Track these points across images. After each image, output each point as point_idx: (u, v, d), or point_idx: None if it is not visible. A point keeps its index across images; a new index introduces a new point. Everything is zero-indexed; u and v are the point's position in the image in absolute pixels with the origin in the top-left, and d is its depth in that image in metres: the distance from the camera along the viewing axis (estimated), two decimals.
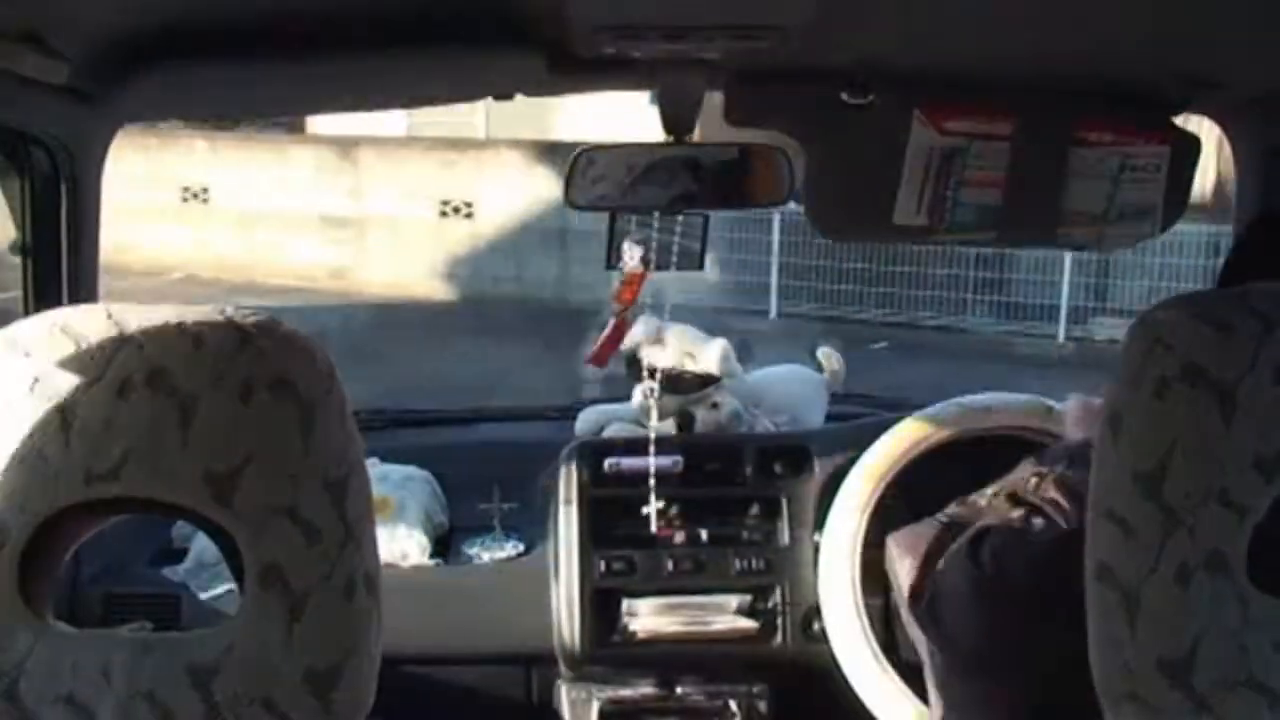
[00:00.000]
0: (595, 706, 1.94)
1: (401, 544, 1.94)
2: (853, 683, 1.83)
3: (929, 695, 1.26)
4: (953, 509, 1.33)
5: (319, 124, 11.88)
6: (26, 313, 1.53)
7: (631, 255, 1.92)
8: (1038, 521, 1.09)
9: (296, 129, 12.23)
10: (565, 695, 1.96)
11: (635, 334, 2.15)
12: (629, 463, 1.99)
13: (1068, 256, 9.30)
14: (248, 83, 1.43)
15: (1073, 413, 1.52)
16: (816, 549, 1.90)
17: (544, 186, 10.56)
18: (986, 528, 1.12)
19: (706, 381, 2.10)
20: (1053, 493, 1.15)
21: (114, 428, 0.69)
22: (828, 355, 2.33)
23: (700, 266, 1.97)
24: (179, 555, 1.93)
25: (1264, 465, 0.68)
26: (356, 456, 0.75)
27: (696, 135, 1.63)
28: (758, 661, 1.96)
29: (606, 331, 2.07)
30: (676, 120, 1.58)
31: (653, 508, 1.94)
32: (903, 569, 1.26)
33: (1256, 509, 0.68)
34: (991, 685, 1.06)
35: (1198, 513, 0.68)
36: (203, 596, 1.88)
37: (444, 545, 2.03)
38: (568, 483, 1.99)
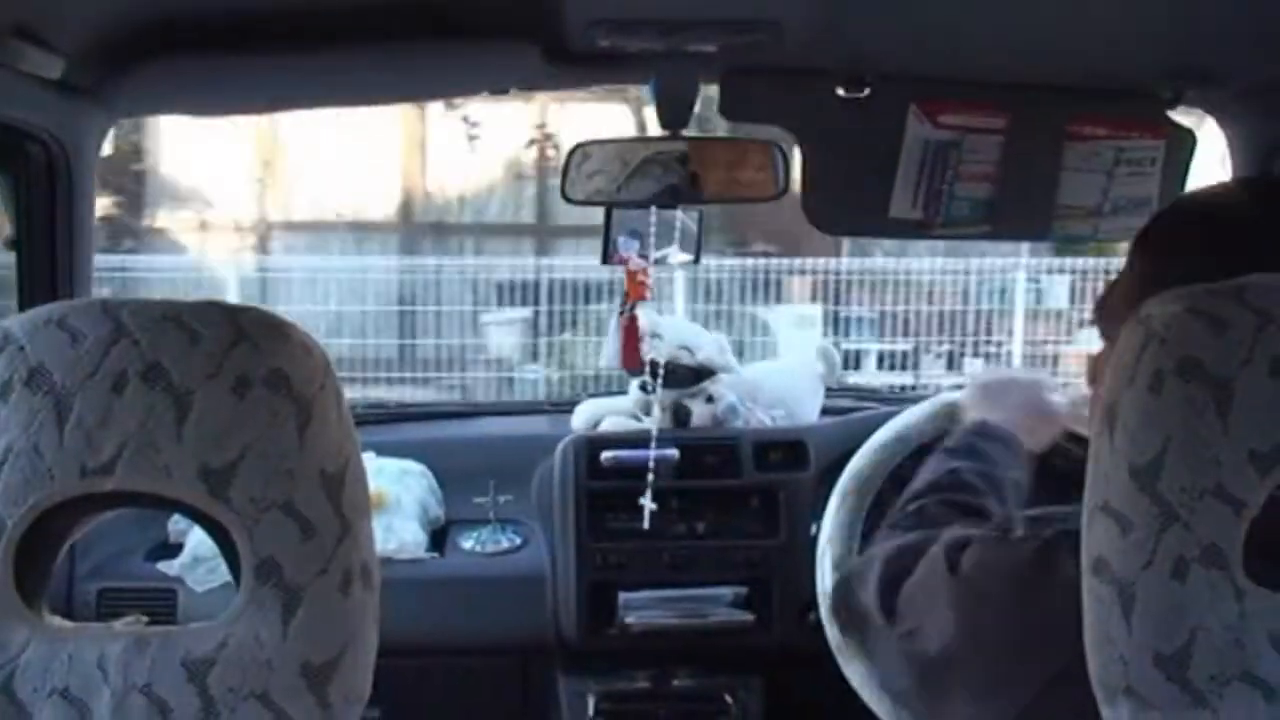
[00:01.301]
0: (591, 699, 1.94)
1: (397, 537, 1.94)
2: (848, 675, 1.83)
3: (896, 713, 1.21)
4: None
5: None
6: (21, 307, 1.54)
7: (629, 251, 1.92)
8: (1018, 531, 1.06)
9: None
10: (561, 687, 1.97)
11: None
12: (626, 456, 2.00)
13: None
14: (242, 78, 1.43)
15: (971, 395, 1.52)
16: (812, 541, 1.90)
17: None
18: (968, 537, 1.09)
19: (703, 375, 2.10)
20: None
21: (109, 422, 0.69)
22: (824, 350, 2.34)
23: (697, 260, 1.98)
24: (175, 549, 1.93)
25: (1260, 459, 0.68)
26: (352, 450, 0.75)
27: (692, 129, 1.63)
28: (753, 654, 1.96)
29: (623, 331, 2.07)
30: (672, 115, 1.58)
31: (647, 501, 1.94)
32: (870, 578, 1.20)
33: (1253, 503, 0.68)
34: (972, 704, 1.02)
35: (1194, 507, 0.68)
36: (199, 590, 1.88)
37: (440, 538, 2.03)
38: (564, 476, 2.00)
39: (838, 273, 8.26)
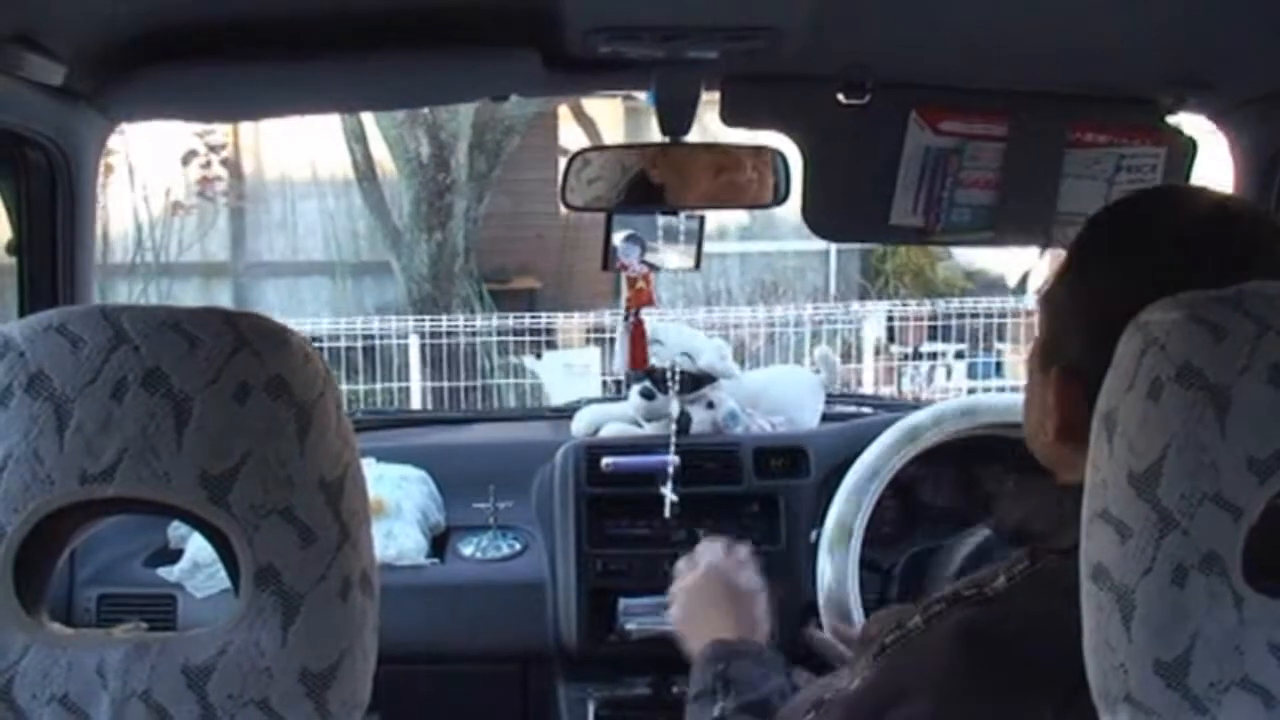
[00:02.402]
0: (591, 705, 1.94)
1: (397, 543, 1.94)
2: None
3: None
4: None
5: None
6: (22, 313, 1.54)
7: (629, 257, 1.93)
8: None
9: None
10: (561, 694, 1.96)
11: None
12: (626, 462, 2.00)
13: None
14: (243, 84, 1.43)
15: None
16: (813, 548, 1.90)
17: None
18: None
19: (703, 381, 2.10)
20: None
21: (109, 428, 0.69)
22: (824, 356, 2.34)
23: (697, 266, 1.98)
24: (174, 556, 1.93)
25: (1258, 467, 0.68)
26: (352, 457, 0.75)
27: (692, 136, 1.63)
28: None
29: (630, 335, 2.07)
30: (673, 121, 1.58)
31: (669, 492, 1.94)
32: None
33: (1251, 510, 0.68)
34: None
35: (1193, 514, 0.68)
36: (198, 597, 1.88)
37: (440, 545, 2.03)
38: (564, 482, 1.99)
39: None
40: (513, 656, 1.99)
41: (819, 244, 9.26)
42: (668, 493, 1.95)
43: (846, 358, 7.49)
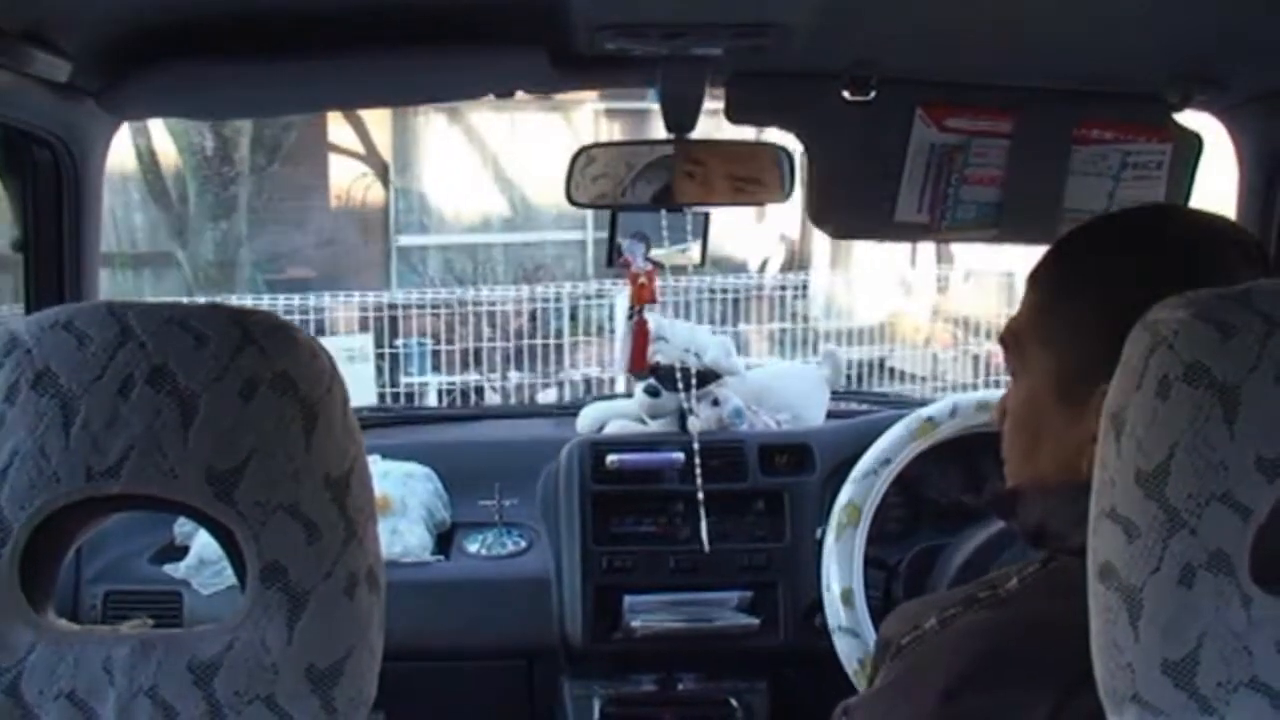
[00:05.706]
0: (597, 703, 1.94)
1: (403, 540, 1.94)
2: (853, 679, 1.83)
3: None
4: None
5: None
6: (28, 310, 1.54)
7: (634, 254, 1.93)
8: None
9: None
10: (567, 691, 1.97)
11: None
12: (631, 459, 2.00)
13: None
14: (249, 81, 1.43)
15: None
16: (818, 545, 1.90)
17: None
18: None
19: (708, 378, 2.10)
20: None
21: (116, 425, 0.69)
22: (829, 354, 2.34)
23: (702, 263, 1.98)
24: (181, 552, 1.93)
25: (1267, 466, 0.67)
26: (358, 453, 0.75)
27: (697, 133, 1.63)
28: (759, 657, 1.96)
29: (632, 335, 2.07)
30: (678, 118, 1.58)
31: (704, 531, 1.93)
32: None
33: (1260, 510, 0.68)
34: None
35: (1201, 513, 0.68)
36: (204, 593, 1.88)
37: (446, 542, 2.03)
38: (569, 479, 2.00)
39: (390, 305, 7.45)
40: (518, 653, 1.99)
41: (576, 234, 9.98)
42: (698, 489, 1.95)
43: (600, 333, 7.83)
